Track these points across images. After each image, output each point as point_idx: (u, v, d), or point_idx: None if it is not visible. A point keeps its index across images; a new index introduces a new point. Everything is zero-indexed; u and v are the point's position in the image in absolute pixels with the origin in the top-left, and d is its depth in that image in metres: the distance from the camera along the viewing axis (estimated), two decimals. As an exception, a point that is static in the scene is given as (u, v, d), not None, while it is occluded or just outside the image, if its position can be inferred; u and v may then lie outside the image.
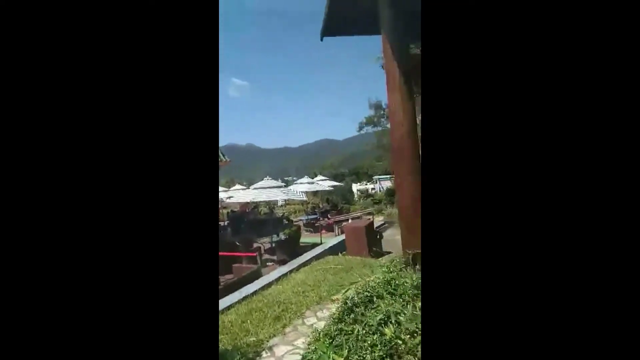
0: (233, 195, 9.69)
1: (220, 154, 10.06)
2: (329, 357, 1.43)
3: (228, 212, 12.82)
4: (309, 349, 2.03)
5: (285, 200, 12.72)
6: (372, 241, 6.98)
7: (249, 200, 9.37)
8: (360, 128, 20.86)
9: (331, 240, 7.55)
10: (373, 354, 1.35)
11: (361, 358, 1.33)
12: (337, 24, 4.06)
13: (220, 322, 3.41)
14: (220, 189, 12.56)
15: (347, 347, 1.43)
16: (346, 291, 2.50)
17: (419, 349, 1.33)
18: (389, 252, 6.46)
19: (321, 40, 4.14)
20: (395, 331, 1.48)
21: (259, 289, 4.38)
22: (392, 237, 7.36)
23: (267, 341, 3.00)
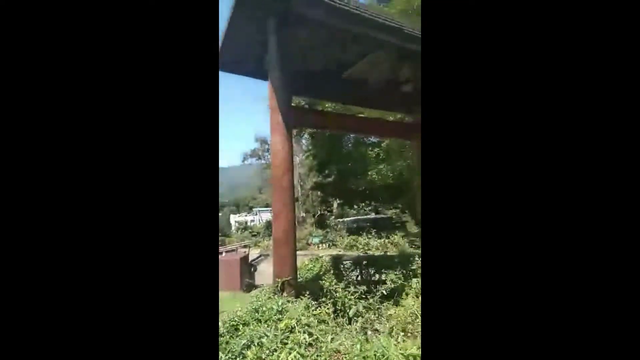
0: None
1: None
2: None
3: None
4: None
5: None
6: (245, 275, 6.84)
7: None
8: (245, 159, 20.91)
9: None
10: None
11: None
12: (229, 61, 4.26)
13: None
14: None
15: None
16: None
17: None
18: (262, 285, 6.48)
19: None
20: (257, 352, 1.58)
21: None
22: (267, 270, 7.43)
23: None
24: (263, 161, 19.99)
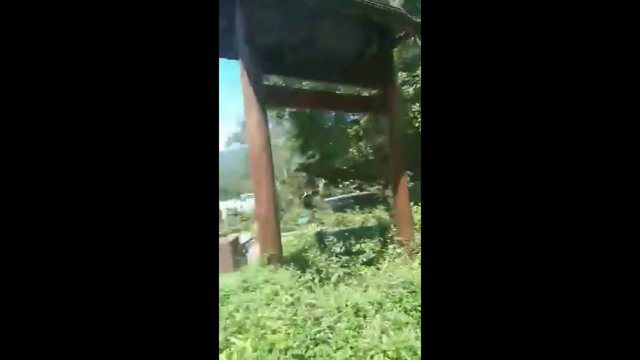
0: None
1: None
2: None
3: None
4: None
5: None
6: (236, 257, 7.06)
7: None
8: (229, 144, 20.66)
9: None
10: (225, 331, 1.61)
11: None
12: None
13: None
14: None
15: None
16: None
17: (260, 321, 1.68)
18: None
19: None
20: (243, 314, 1.78)
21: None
22: (258, 252, 7.66)
23: None
24: (247, 144, 19.82)
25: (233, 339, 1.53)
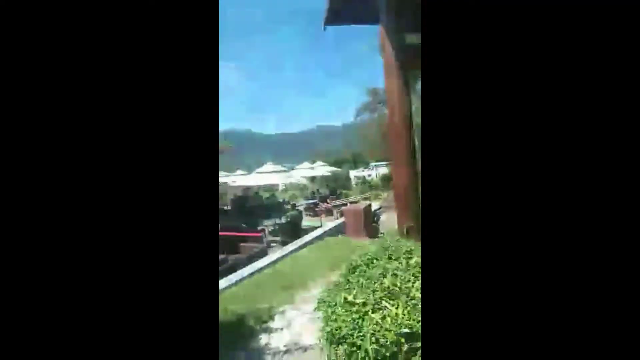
0: (236, 180, 9.94)
1: (224, 139, 10.24)
2: (341, 296, 1.77)
3: (232, 196, 13.22)
4: (323, 293, 2.38)
5: (285, 185, 13.02)
6: (369, 223, 7.35)
7: (251, 185, 9.67)
8: (358, 114, 21.03)
9: (330, 223, 7.91)
10: (375, 294, 1.70)
11: (366, 297, 1.67)
12: (338, 13, 4.25)
13: (233, 293, 3.78)
14: (223, 173, 12.80)
15: (354, 291, 1.77)
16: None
17: (411, 292, 1.67)
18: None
19: (324, 29, 4.33)
20: (391, 280, 1.82)
21: (266, 265, 4.74)
22: (387, 220, 7.73)
23: (278, 307, 3.38)
24: (376, 114, 19.61)
25: (385, 303, 1.59)
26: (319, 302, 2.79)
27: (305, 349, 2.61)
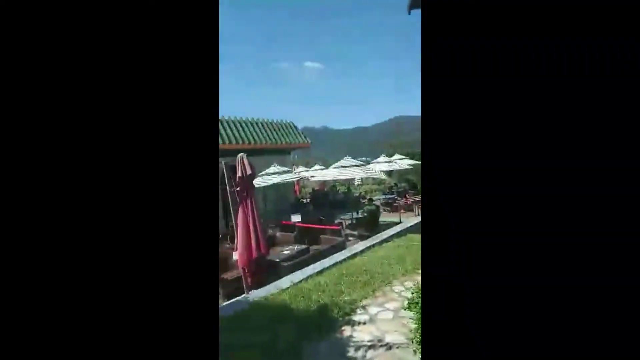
0: (314, 174, 10.35)
1: (301, 136, 10.78)
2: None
3: (310, 190, 13.86)
4: (412, 294, 2.28)
5: (361, 179, 12.94)
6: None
7: (328, 179, 9.92)
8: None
9: (411, 220, 7.52)
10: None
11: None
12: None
13: (315, 282, 3.93)
14: (302, 168, 13.48)
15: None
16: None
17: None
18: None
19: (408, 13, 4.06)
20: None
21: (345, 258, 4.80)
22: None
23: (360, 301, 3.38)
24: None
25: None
26: (409, 303, 2.66)
27: (389, 346, 2.54)
